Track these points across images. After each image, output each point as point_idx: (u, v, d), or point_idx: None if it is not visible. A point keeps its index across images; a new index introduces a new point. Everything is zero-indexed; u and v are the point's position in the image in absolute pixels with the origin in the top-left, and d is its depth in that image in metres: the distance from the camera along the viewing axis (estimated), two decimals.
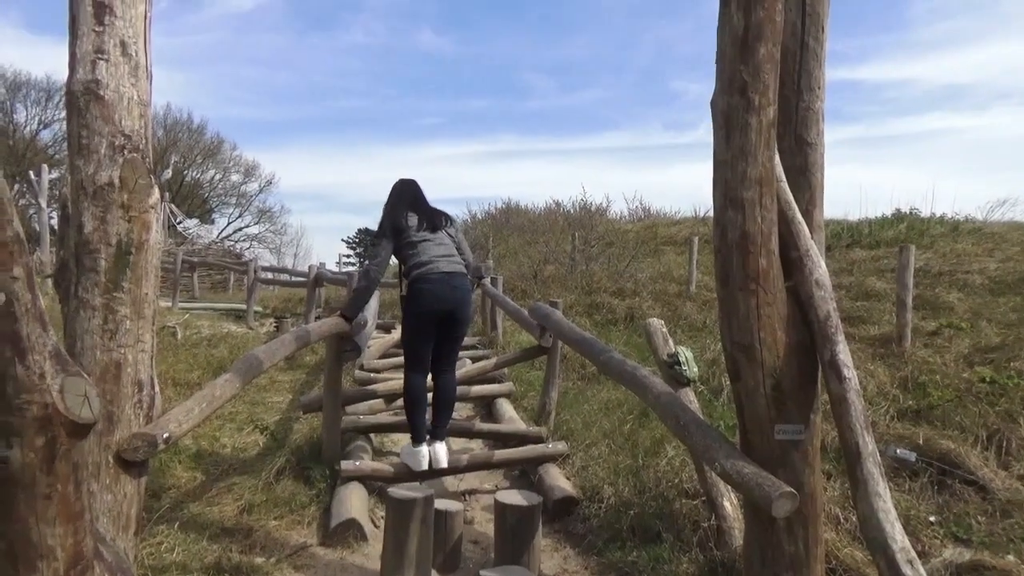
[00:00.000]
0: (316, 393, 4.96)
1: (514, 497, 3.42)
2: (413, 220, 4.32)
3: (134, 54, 2.58)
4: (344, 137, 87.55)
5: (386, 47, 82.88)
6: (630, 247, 11.99)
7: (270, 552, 3.53)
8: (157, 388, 2.56)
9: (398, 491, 3.23)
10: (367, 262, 4.50)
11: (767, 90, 2.45)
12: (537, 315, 5.06)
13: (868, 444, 2.39)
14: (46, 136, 33.13)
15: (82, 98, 2.46)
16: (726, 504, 3.31)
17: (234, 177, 38.98)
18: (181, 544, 3.45)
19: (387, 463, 4.27)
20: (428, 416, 4.43)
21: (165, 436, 2.42)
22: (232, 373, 2.95)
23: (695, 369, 3.71)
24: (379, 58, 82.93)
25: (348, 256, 48.19)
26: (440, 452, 4.28)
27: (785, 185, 2.63)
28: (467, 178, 73.52)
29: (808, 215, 2.68)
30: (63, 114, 32.69)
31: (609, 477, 4.15)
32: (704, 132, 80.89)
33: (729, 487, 3.42)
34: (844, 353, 2.47)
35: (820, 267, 2.57)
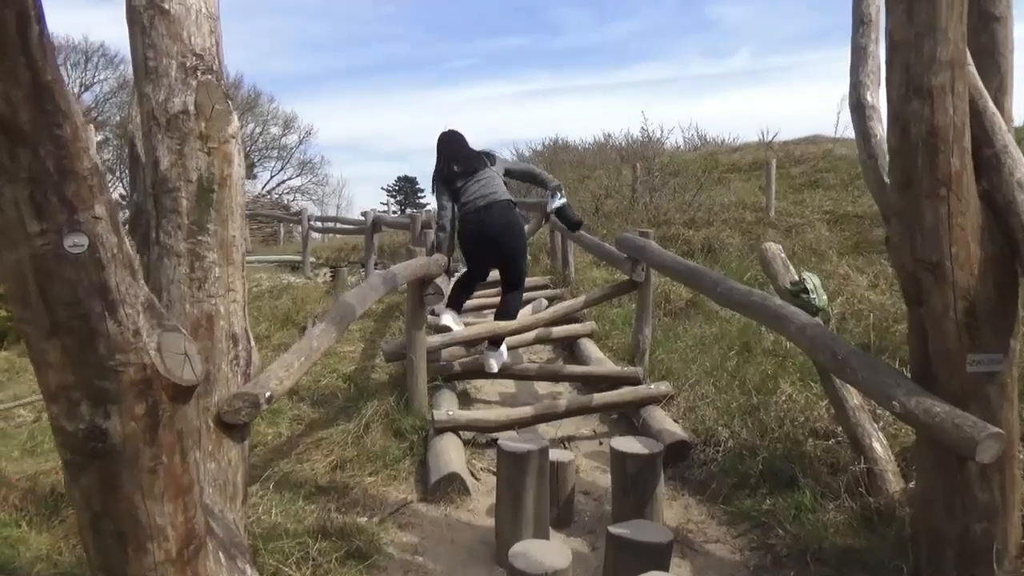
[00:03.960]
0: (399, 340, 4.71)
1: (632, 444, 3.12)
2: (456, 169, 4.80)
3: None
4: (379, 84, 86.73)
5: None
6: (696, 176, 11.40)
7: (371, 511, 3.32)
8: (253, 342, 2.29)
9: (511, 443, 2.95)
10: (436, 216, 5.04)
11: None
12: (627, 248, 4.69)
13: None
14: (88, 98, 33.18)
15: (145, 13, 2.13)
16: (876, 445, 2.96)
17: (273, 130, 38.58)
18: (278, 505, 3.26)
19: (481, 412, 4.00)
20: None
21: (267, 395, 2.16)
22: (327, 323, 2.68)
23: (824, 297, 3.32)
24: (409, 1, 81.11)
25: (391, 204, 48.01)
26: (491, 358, 4.68)
27: (974, 69, 2.19)
28: (506, 118, 72.19)
29: (997, 105, 2.25)
30: (103, 75, 32.83)
31: (722, 418, 3.83)
32: (744, 58, 77.79)
33: (875, 426, 3.07)
34: None
35: (1022, 166, 2.15)
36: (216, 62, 2.25)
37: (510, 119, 72.12)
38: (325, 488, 3.53)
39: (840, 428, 3.28)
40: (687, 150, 16.34)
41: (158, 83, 2.14)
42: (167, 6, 2.14)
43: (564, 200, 4.96)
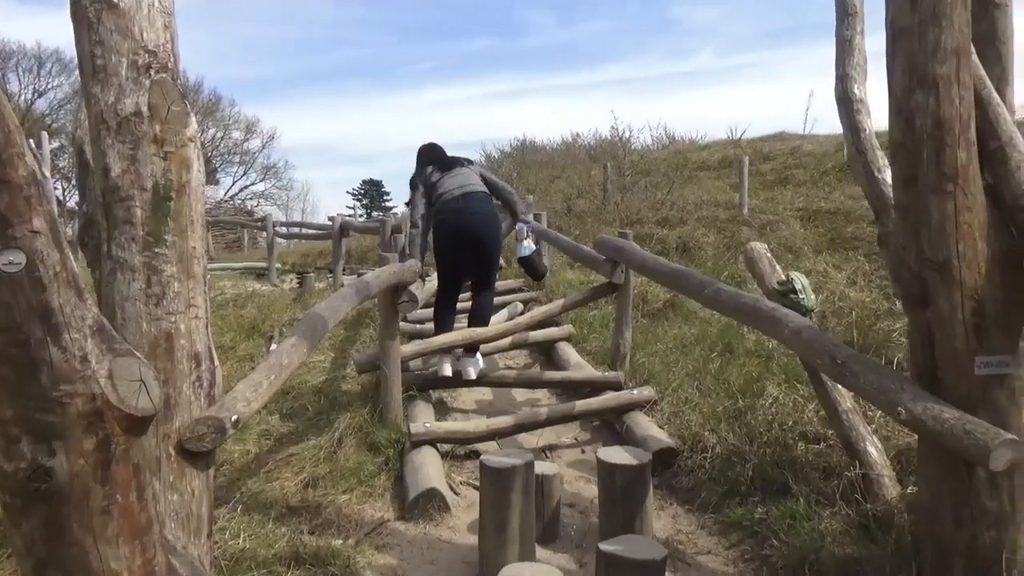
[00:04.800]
0: (371, 351, 4.53)
1: (619, 455, 3.00)
2: (434, 167, 4.81)
3: None
4: (343, 89, 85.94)
5: None
6: (667, 175, 11.35)
7: (346, 531, 3.15)
8: (216, 361, 2.11)
9: (494, 459, 2.80)
10: (410, 213, 4.96)
11: None
12: (606, 249, 4.58)
13: None
14: (42, 105, 32.31)
15: (91, 7, 1.94)
16: (871, 450, 2.87)
17: (235, 135, 37.90)
18: (246, 529, 3.07)
19: (459, 423, 3.85)
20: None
21: (234, 419, 1.98)
22: (297, 337, 2.51)
23: (813, 297, 3.23)
24: (372, 4, 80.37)
25: (357, 208, 47.44)
26: (468, 365, 4.57)
27: (976, 58, 2.10)
28: (473, 120, 71.93)
29: (1000, 95, 2.16)
30: (57, 81, 31.86)
31: (708, 423, 3.72)
32: (708, 57, 78.49)
33: (869, 429, 2.98)
34: None
35: None
36: (171, 59, 2.06)
37: (477, 121, 71.85)
38: (297, 508, 3.35)
39: (831, 432, 3.20)
40: (656, 148, 16.34)
41: (107, 83, 1.95)
42: None
43: (532, 247, 4.96)
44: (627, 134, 14.43)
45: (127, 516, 1.54)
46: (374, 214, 45.68)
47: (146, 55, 1.98)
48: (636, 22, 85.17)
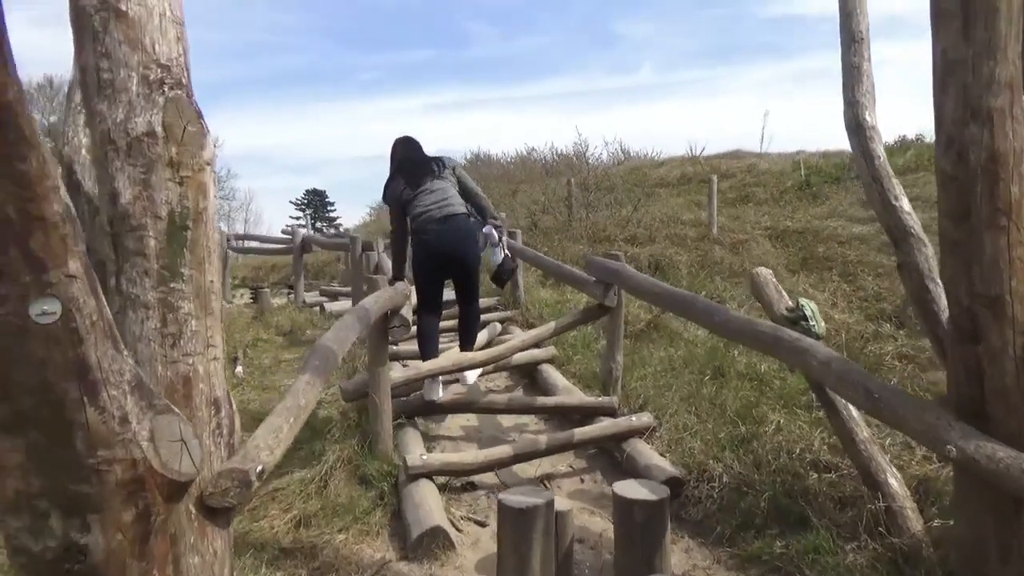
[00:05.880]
0: (359, 378, 4.34)
1: (636, 489, 2.89)
2: (406, 179, 4.60)
3: None
4: (285, 96, 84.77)
5: None
6: (633, 192, 11.36)
7: (347, 574, 2.97)
8: (235, 406, 1.93)
9: (514, 498, 2.66)
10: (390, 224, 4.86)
11: None
12: (598, 271, 4.48)
13: None
14: None
15: (97, 16, 1.77)
16: (891, 481, 2.83)
17: None
18: (240, 575, 2.86)
19: (456, 455, 3.70)
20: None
21: (259, 470, 1.81)
22: (309, 373, 2.34)
23: (823, 323, 3.20)
24: (312, 10, 79.51)
25: (298, 218, 46.43)
26: (466, 373, 4.56)
27: None
28: (418, 131, 70.85)
29: None
30: None
31: (711, 451, 3.65)
32: (647, 73, 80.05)
33: (887, 460, 2.95)
34: None
35: None
36: (185, 75, 1.90)
37: (422, 132, 70.78)
38: (290, 550, 3.15)
39: (844, 461, 3.16)
40: (612, 165, 16.43)
41: (115, 99, 1.78)
42: (124, 7, 1.78)
43: (506, 253, 4.81)
44: (587, 149, 14.50)
45: None
46: (318, 225, 44.80)
47: (158, 69, 1.82)
48: (576, 37, 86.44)
